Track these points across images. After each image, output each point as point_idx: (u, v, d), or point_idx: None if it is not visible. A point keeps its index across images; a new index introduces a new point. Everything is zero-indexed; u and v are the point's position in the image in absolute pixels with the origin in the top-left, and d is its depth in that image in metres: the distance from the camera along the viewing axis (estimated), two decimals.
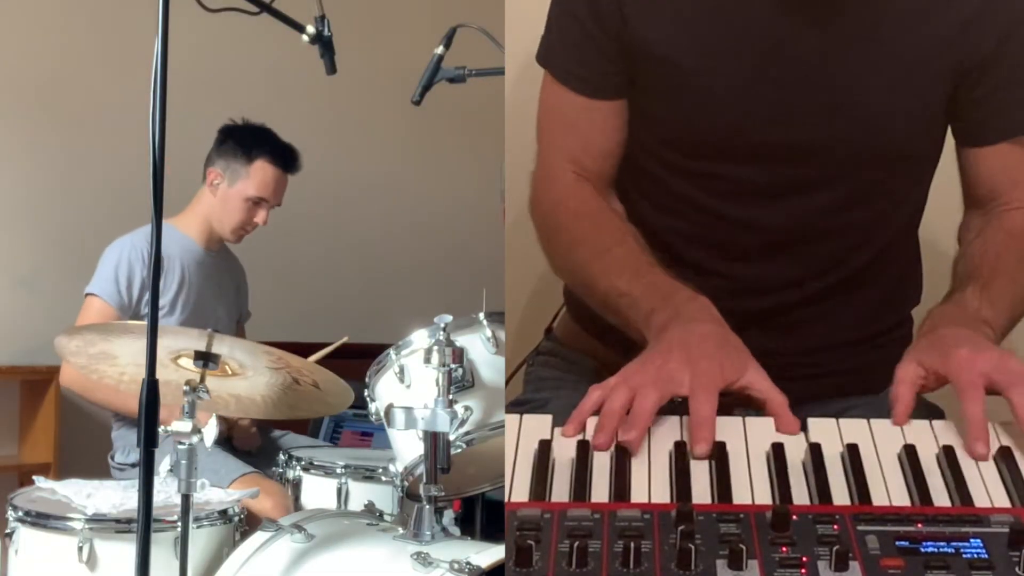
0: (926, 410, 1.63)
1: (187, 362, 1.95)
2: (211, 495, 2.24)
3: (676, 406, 1.47)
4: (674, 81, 1.77)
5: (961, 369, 1.49)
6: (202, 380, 1.92)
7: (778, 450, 1.42)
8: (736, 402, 1.52)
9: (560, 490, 1.35)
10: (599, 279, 1.73)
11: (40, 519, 2.10)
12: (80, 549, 2.04)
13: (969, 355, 1.50)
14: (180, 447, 1.84)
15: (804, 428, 1.49)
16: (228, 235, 2.92)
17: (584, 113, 1.84)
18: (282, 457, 2.64)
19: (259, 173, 2.86)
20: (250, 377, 2.03)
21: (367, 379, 2.16)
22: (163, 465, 1.87)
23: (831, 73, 1.72)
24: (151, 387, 1.66)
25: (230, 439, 2.78)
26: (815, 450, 1.42)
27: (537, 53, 1.88)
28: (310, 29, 2.18)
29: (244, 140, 2.88)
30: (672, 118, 1.81)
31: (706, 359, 1.49)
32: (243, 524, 2.20)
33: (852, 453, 1.42)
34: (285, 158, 2.90)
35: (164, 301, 2.81)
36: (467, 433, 2.01)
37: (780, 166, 1.78)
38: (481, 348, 2.05)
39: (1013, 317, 1.70)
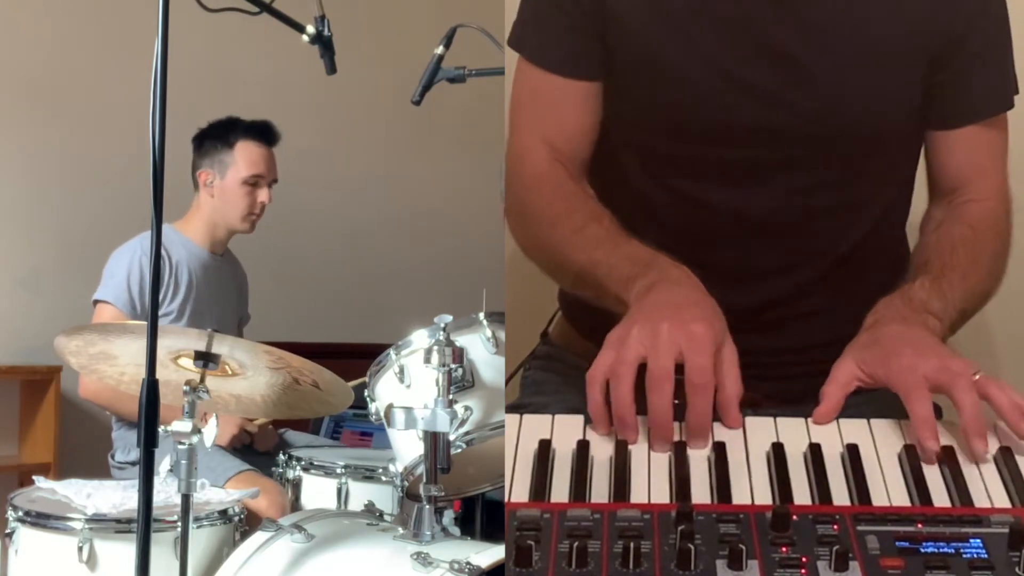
0: None
1: (187, 362, 1.95)
2: (211, 495, 2.24)
3: (675, 408, 1.46)
4: (649, 58, 1.76)
5: (903, 377, 1.48)
6: (202, 380, 1.92)
7: (778, 450, 1.42)
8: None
9: (560, 490, 1.35)
10: (575, 254, 1.70)
11: (40, 519, 2.10)
12: (80, 549, 2.03)
13: (911, 362, 1.49)
14: (180, 447, 1.84)
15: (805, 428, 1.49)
16: (239, 225, 2.92)
17: (557, 93, 1.83)
18: (282, 457, 2.64)
19: (244, 153, 2.89)
20: (250, 377, 2.02)
21: (367, 379, 2.16)
22: (163, 465, 1.86)
23: (805, 53, 1.72)
24: (151, 387, 1.66)
25: (250, 444, 2.79)
26: (815, 450, 1.42)
27: (508, 37, 1.87)
28: (310, 29, 2.18)
29: (218, 133, 2.92)
30: (647, 98, 1.79)
31: (698, 322, 1.45)
32: (243, 524, 2.20)
33: (852, 453, 1.42)
34: (262, 132, 2.93)
35: (173, 306, 2.82)
36: (467, 433, 2.01)
37: (755, 148, 1.77)
38: (481, 348, 2.05)
39: (965, 311, 1.69)
